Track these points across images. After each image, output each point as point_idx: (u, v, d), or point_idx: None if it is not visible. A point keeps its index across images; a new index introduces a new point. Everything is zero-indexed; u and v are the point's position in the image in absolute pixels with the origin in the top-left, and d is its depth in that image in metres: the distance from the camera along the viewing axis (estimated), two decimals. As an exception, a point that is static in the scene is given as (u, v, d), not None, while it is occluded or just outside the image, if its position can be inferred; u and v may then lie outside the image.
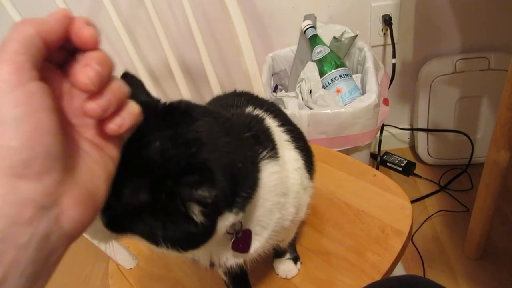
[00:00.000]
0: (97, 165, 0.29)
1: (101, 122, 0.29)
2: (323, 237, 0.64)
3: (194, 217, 0.34)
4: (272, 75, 1.20)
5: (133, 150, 0.32)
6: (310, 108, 1.02)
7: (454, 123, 1.30)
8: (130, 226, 0.35)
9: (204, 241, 0.37)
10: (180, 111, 0.36)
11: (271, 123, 0.49)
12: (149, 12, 0.77)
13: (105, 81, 0.27)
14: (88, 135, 0.29)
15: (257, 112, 0.50)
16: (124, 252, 0.69)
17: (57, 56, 0.28)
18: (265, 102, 0.58)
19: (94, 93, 0.27)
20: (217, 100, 0.61)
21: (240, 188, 0.37)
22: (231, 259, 0.45)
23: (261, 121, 0.48)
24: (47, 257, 0.25)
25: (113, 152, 0.31)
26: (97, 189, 0.28)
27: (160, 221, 0.34)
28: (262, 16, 1.20)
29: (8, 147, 0.23)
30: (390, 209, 0.65)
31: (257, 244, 0.44)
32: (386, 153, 1.44)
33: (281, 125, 0.51)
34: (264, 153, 0.41)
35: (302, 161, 0.50)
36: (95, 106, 0.27)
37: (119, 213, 0.34)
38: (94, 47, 0.27)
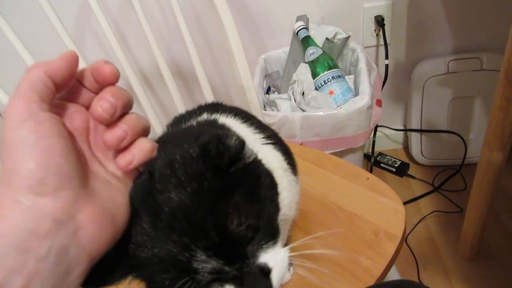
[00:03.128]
0: (118, 191, 0.32)
1: (113, 156, 0.33)
2: (315, 241, 0.63)
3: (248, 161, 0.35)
4: (265, 76, 1.20)
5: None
6: (303, 110, 1.01)
7: (447, 124, 1.30)
8: (271, 221, 0.37)
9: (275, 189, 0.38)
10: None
11: (232, 122, 0.49)
12: (138, 15, 0.76)
13: (119, 112, 0.31)
14: (110, 168, 0.33)
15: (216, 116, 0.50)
16: None
17: (86, 97, 0.32)
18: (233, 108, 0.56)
19: (112, 125, 0.31)
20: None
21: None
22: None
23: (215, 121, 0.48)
24: (67, 272, 0.27)
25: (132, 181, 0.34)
26: (117, 210, 0.31)
27: (260, 202, 0.35)
28: (254, 18, 1.19)
29: (25, 169, 0.26)
30: (383, 213, 0.65)
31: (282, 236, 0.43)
32: (380, 154, 1.43)
33: (249, 125, 0.50)
34: None
35: (280, 156, 0.49)
36: (111, 136, 0.31)
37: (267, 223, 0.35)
38: (114, 82, 0.31)
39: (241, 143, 0.34)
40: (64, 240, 0.27)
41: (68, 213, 0.27)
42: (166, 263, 0.31)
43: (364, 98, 0.93)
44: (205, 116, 0.49)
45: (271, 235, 0.36)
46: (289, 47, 1.19)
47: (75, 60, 0.30)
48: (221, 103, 0.56)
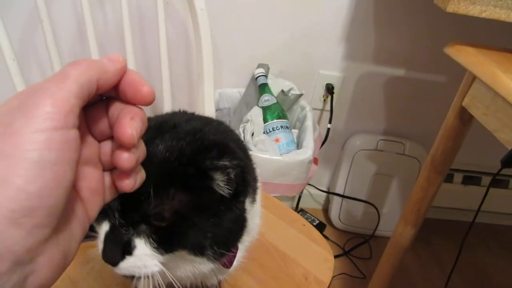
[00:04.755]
0: (78, 224, 0.27)
1: (116, 177, 0.28)
2: (248, 276, 0.64)
3: (221, 190, 0.35)
4: (216, 110, 1.22)
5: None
6: (249, 150, 1.04)
7: (367, 195, 1.42)
8: (179, 240, 0.35)
9: (242, 230, 0.39)
10: (170, 124, 0.37)
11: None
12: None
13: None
14: (81, 186, 0.27)
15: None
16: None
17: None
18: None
19: (130, 147, 0.27)
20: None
21: (250, 168, 0.39)
22: (211, 276, 0.43)
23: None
24: None
25: (94, 211, 0.29)
26: (71, 251, 0.26)
27: (204, 216, 0.35)
28: (220, 53, 1.23)
29: (21, 189, 0.20)
30: (314, 259, 0.68)
31: (234, 263, 0.43)
32: (301, 210, 1.50)
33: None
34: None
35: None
36: (132, 157, 0.27)
37: (165, 232, 0.34)
38: (149, 104, 0.27)
39: (238, 169, 0.35)
40: (11, 285, 0.21)
41: (31, 255, 0.22)
42: None
43: (307, 152, 0.99)
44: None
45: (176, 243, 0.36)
46: (243, 89, 1.24)
47: (123, 74, 0.27)
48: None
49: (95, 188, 0.28)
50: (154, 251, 0.35)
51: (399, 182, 1.39)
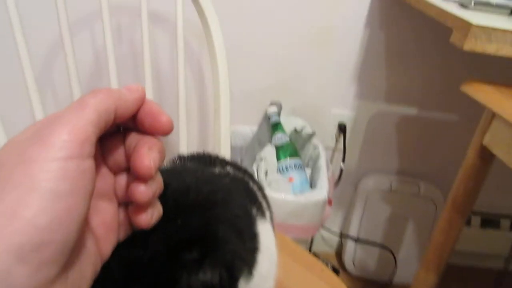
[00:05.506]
0: (90, 263, 0.25)
1: (132, 211, 0.26)
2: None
3: None
4: (227, 148, 1.20)
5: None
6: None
7: (382, 239, 1.36)
8: None
9: None
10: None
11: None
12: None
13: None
14: (95, 221, 0.26)
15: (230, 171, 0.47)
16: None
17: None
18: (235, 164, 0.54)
19: (147, 178, 0.25)
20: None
21: (247, 249, 0.32)
22: None
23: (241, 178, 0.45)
24: None
25: (107, 249, 0.27)
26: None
27: None
28: (232, 90, 1.23)
29: (31, 222, 0.19)
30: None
31: None
32: (314, 254, 1.43)
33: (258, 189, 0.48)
34: (254, 209, 0.38)
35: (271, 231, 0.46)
36: (149, 189, 0.25)
37: None
38: (167, 134, 0.26)
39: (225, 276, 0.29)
40: None
41: None
42: None
43: (322, 192, 0.96)
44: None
45: None
46: (255, 126, 1.22)
47: (141, 103, 0.26)
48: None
49: (109, 224, 0.26)
50: None
51: (415, 225, 1.34)
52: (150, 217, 0.26)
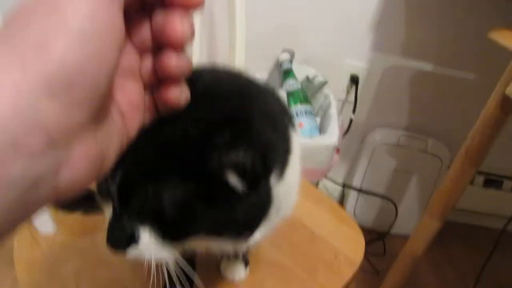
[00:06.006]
0: (116, 133, 0.25)
1: (161, 89, 0.26)
2: (275, 250, 0.61)
3: (236, 188, 0.29)
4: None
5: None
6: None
7: (384, 191, 1.38)
8: (186, 231, 0.31)
9: (264, 213, 0.33)
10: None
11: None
12: None
13: None
14: (121, 98, 0.26)
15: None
16: (43, 214, 0.58)
17: None
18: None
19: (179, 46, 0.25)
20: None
21: (279, 146, 0.32)
22: (230, 250, 0.39)
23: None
24: (22, 212, 0.19)
25: (133, 127, 0.27)
26: (108, 155, 0.25)
27: (213, 208, 0.30)
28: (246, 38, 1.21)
29: (59, 57, 0.18)
30: (344, 239, 0.65)
31: (258, 235, 0.37)
32: (316, 203, 1.47)
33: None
34: (286, 119, 0.38)
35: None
36: (181, 61, 0.25)
37: (170, 223, 0.30)
38: (200, 7, 0.25)
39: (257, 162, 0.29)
40: (44, 172, 0.19)
41: (66, 139, 0.20)
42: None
43: (332, 137, 0.96)
44: None
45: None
46: (266, 73, 1.21)
47: None
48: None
49: (135, 103, 0.26)
50: (161, 241, 0.31)
51: (419, 180, 1.36)
52: (179, 93, 0.26)
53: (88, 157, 0.22)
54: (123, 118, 0.26)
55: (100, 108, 0.22)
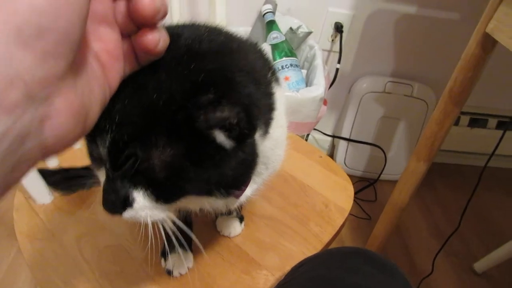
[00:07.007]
0: (97, 84, 0.25)
1: (138, 35, 0.26)
2: (267, 204, 0.63)
3: (221, 142, 0.30)
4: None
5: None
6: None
7: (373, 139, 1.41)
8: (179, 191, 0.32)
9: (251, 169, 0.34)
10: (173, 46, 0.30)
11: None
12: None
13: None
14: (98, 47, 0.25)
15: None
16: (39, 184, 0.59)
17: None
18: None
19: None
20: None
21: (263, 102, 0.33)
22: (223, 207, 0.40)
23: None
24: (12, 168, 0.20)
25: (114, 78, 0.27)
26: (91, 108, 0.25)
27: (203, 166, 0.30)
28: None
29: (29, 4, 0.18)
30: (334, 188, 0.67)
31: (248, 191, 0.39)
32: (307, 155, 1.49)
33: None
34: (269, 74, 0.38)
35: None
36: (155, 1, 0.25)
37: (162, 184, 0.31)
38: None
39: (242, 117, 0.29)
40: (27, 126, 0.19)
41: (46, 91, 0.20)
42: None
43: (319, 89, 0.97)
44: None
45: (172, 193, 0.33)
46: (250, 27, 1.19)
47: None
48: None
49: (113, 52, 0.26)
50: (154, 203, 0.32)
51: (406, 125, 1.38)
52: (157, 38, 0.26)
53: (70, 110, 0.22)
54: (103, 68, 0.26)
55: (76, 57, 0.22)
